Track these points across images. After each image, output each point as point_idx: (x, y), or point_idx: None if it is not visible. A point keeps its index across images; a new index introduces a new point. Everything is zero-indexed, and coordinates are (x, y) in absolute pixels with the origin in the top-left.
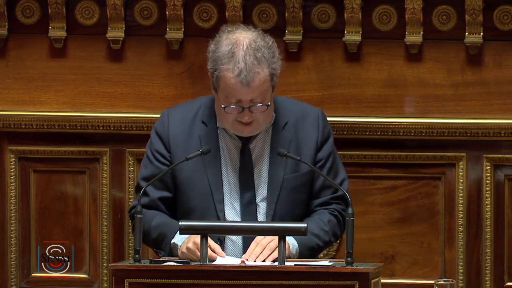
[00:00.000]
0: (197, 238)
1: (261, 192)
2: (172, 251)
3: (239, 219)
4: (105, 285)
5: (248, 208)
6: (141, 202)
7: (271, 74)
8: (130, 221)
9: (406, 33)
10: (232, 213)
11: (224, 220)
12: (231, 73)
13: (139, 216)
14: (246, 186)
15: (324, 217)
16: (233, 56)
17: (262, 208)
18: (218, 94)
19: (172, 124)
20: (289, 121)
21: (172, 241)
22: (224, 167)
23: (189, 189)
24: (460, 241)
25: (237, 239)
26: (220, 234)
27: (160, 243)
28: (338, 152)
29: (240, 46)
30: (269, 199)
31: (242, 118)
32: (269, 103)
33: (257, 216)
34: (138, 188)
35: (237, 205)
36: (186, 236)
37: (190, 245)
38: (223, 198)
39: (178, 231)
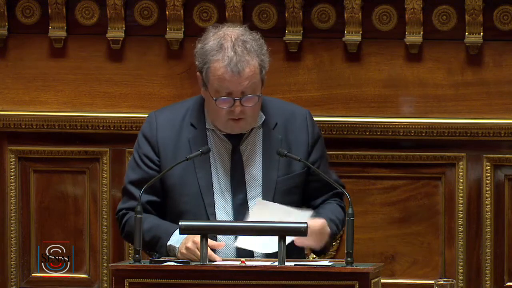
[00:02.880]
0: (196, 237)
1: (254, 193)
2: (168, 253)
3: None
4: (105, 285)
5: (240, 210)
6: (130, 205)
7: (261, 66)
8: (120, 223)
9: (406, 33)
10: (223, 216)
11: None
12: (220, 63)
13: (139, 216)
14: (238, 188)
15: (334, 208)
16: (222, 47)
17: None
18: (208, 90)
19: (160, 128)
20: (278, 122)
21: (168, 243)
22: (215, 169)
23: (179, 193)
24: (460, 241)
25: (231, 241)
26: (220, 234)
27: (154, 246)
28: (339, 152)
29: (228, 38)
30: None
31: (233, 113)
32: (259, 94)
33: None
34: (125, 190)
35: (229, 208)
36: (182, 236)
37: (190, 244)
38: (214, 201)
39: (174, 232)
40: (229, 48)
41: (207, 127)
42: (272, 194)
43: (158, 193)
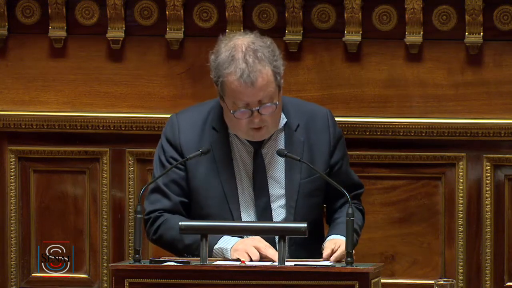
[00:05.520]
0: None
1: (276, 197)
2: (213, 256)
3: None
4: (105, 285)
5: (263, 214)
6: (163, 205)
7: (274, 73)
8: (146, 226)
9: (406, 33)
10: (247, 219)
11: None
12: (233, 75)
13: (139, 216)
14: (261, 191)
15: (355, 213)
16: (233, 59)
17: (278, 214)
18: (225, 102)
19: (183, 131)
20: (300, 124)
21: (217, 246)
22: (238, 173)
23: (203, 196)
24: (460, 241)
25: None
26: (220, 234)
27: (195, 249)
28: None
29: (239, 48)
30: (288, 204)
31: (253, 123)
32: (277, 102)
33: (272, 221)
34: (158, 190)
35: (252, 211)
36: (231, 241)
37: (249, 242)
38: (239, 205)
39: (223, 237)
40: (240, 59)
41: (229, 131)
42: (295, 197)
43: (187, 195)
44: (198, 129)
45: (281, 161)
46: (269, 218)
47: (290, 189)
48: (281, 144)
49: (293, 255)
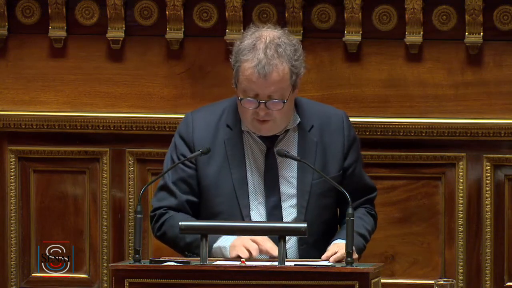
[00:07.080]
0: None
1: (287, 196)
2: (213, 255)
3: None
4: (105, 285)
5: (273, 212)
6: (169, 203)
7: (291, 72)
8: (151, 223)
9: (406, 33)
10: (257, 217)
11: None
12: (250, 63)
13: (139, 216)
14: (272, 190)
15: (365, 217)
16: (254, 48)
17: (288, 213)
18: (237, 88)
19: (197, 129)
20: (314, 125)
21: (216, 245)
22: (250, 171)
23: (214, 194)
24: (460, 241)
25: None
26: (220, 234)
27: (195, 248)
28: None
29: (263, 39)
30: (299, 204)
31: (258, 115)
32: (285, 100)
33: (282, 220)
34: (165, 188)
35: (262, 210)
36: (230, 239)
37: (246, 239)
38: (249, 203)
39: (223, 236)
40: (261, 49)
41: (242, 128)
42: (307, 197)
43: (196, 194)
44: (212, 128)
45: (293, 160)
46: (280, 218)
47: (302, 189)
48: (294, 144)
49: (304, 255)
